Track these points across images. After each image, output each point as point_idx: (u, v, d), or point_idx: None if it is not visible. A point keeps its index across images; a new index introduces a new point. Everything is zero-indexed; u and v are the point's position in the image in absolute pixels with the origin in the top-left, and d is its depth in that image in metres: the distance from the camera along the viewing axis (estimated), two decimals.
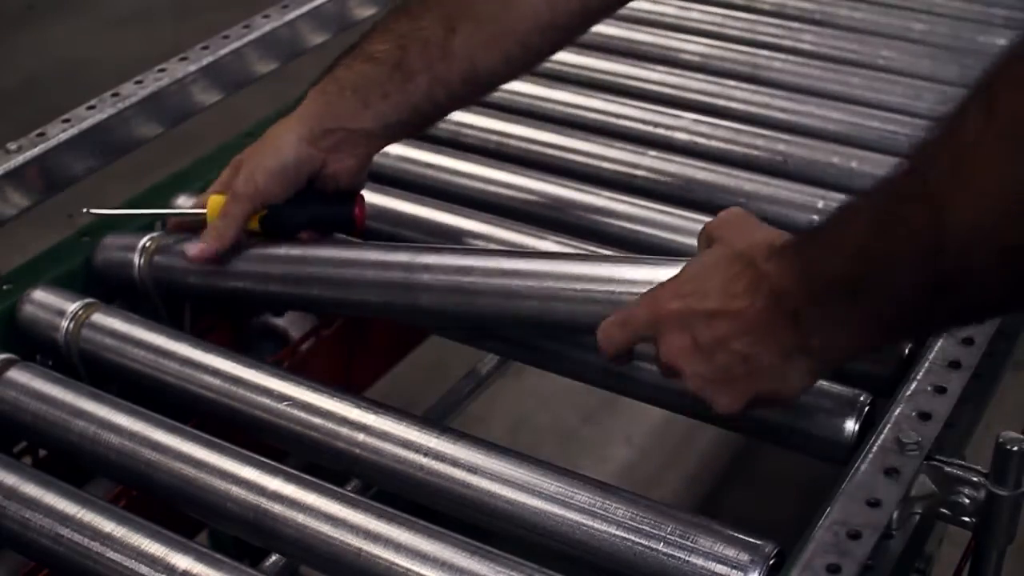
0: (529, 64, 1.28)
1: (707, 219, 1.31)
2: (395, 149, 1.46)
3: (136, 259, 1.30)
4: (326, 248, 1.24)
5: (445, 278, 1.15)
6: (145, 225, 1.36)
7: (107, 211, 1.34)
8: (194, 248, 1.24)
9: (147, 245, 1.30)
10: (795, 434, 1.08)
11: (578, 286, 1.09)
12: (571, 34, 1.28)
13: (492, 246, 1.30)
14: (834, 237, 0.88)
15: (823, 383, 1.08)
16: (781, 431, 1.09)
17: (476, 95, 1.31)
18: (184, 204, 1.40)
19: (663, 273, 1.01)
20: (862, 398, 1.07)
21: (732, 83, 1.63)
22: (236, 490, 1.04)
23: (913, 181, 0.82)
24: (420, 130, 1.31)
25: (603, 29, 1.72)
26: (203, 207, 1.26)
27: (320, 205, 1.25)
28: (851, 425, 1.05)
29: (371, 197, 1.33)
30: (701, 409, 0.98)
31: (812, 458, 1.09)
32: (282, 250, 1.24)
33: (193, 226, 1.28)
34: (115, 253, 1.33)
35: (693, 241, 1.31)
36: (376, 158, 1.29)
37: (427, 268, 1.16)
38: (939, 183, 0.79)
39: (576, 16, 1.24)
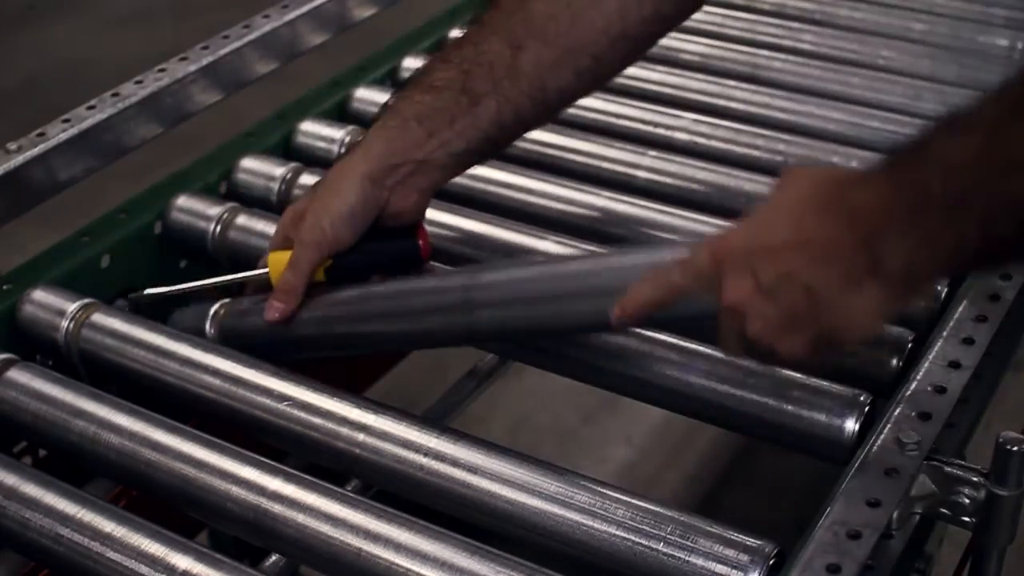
0: (601, 79, 1.23)
1: (707, 219, 1.33)
2: None
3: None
4: (384, 284, 1.19)
5: (504, 293, 1.11)
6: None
7: (165, 290, 1.30)
8: (271, 310, 1.19)
9: (224, 216, 1.35)
10: (795, 434, 1.08)
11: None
12: (644, 44, 1.23)
13: (492, 247, 1.30)
14: (939, 150, 0.83)
15: (823, 383, 1.08)
16: (781, 431, 1.09)
17: (545, 116, 1.23)
18: (184, 203, 1.40)
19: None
20: (862, 398, 1.07)
21: (732, 83, 1.63)
22: (236, 490, 1.04)
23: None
24: (486, 158, 1.24)
25: None
26: (264, 267, 1.22)
27: (384, 244, 1.21)
28: (851, 425, 1.05)
29: None
30: (703, 411, 0.98)
31: (812, 458, 1.09)
32: (342, 293, 1.19)
33: (259, 288, 1.24)
34: (186, 322, 1.29)
35: (694, 242, 1.32)
36: None
37: (486, 286, 1.11)
38: None
39: (649, 24, 1.19)
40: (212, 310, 1.27)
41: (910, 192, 0.84)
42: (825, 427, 1.06)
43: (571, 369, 1.20)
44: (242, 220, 1.38)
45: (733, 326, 0.93)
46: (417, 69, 1.23)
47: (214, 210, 1.39)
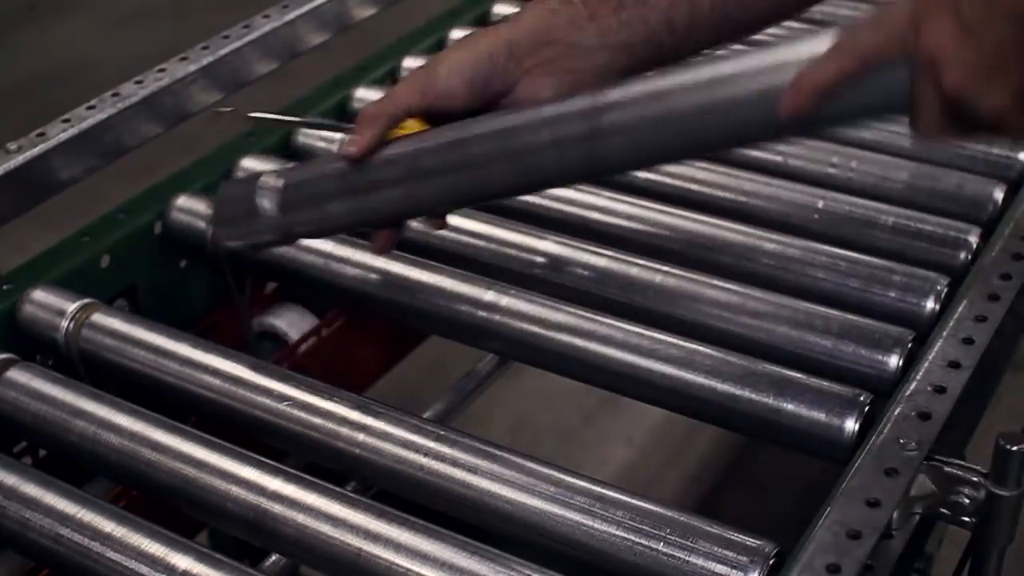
0: (790, 7, 1.07)
1: (707, 219, 1.33)
2: None
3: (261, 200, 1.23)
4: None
5: (643, 111, 0.96)
6: None
7: (268, 115, 1.22)
8: (347, 145, 1.05)
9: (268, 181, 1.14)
10: (795, 434, 1.08)
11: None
12: None
13: (492, 247, 1.31)
14: None
15: (823, 382, 1.08)
16: (781, 431, 1.09)
17: (721, 35, 1.05)
18: (184, 204, 1.40)
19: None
20: (862, 398, 1.07)
21: None
22: (236, 490, 1.04)
23: None
24: (645, 67, 1.03)
25: None
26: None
27: None
28: (851, 425, 1.05)
29: None
30: (705, 414, 0.97)
31: (812, 458, 1.09)
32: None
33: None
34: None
35: (694, 241, 1.32)
36: None
37: (613, 105, 0.97)
38: None
39: None
40: (262, 181, 1.13)
41: None
42: (825, 427, 1.06)
43: (571, 368, 1.20)
44: None
45: (929, 88, 0.81)
46: None
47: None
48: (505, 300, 1.21)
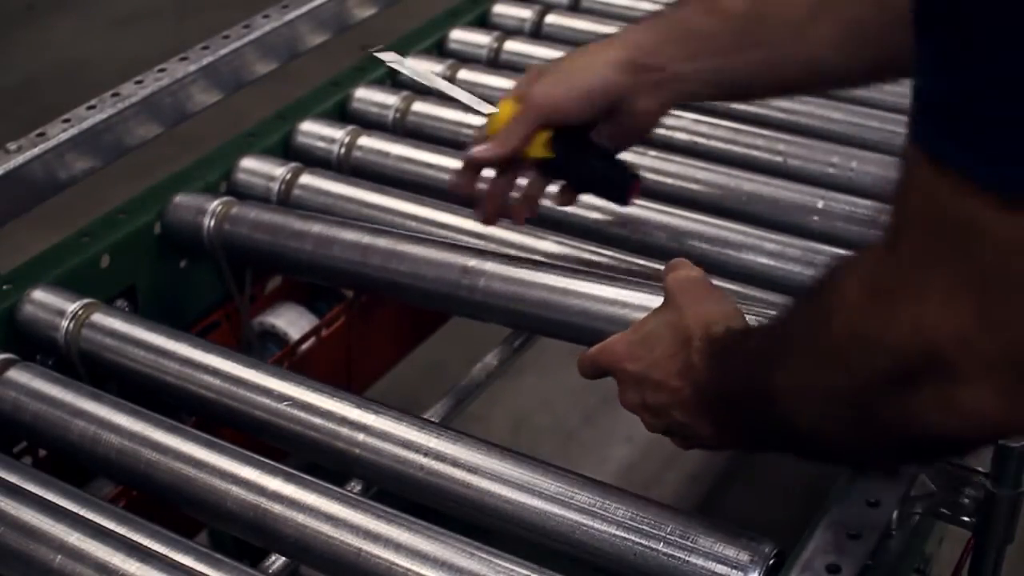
0: (883, 72, 1.17)
1: (707, 219, 1.33)
2: (397, 149, 1.47)
3: (206, 222, 1.36)
4: (382, 239, 1.27)
5: (497, 286, 1.20)
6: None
7: (398, 66, 1.34)
8: (477, 147, 1.19)
9: (218, 209, 1.36)
10: None
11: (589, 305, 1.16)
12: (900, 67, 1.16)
13: (492, 246, 1.31)
14: (734, 354, 0.91)
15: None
16: None
17: (810, 88, 1.26)
18: (184, 203, 1.40)
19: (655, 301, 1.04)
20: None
21: None
22: (236, 490, 1.04)
23: (763, 338, 0.88)
24: (725, 98, 1.28)
25: (603, 29, 1.72)
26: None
27: (605, 167, 1.20)
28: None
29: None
30: None
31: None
32: (345, 233, 1.28)
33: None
34: (188, 216, 1.38)
35: (694, 242, 1.32)
36: (375, 158, 1.28)
37: (482, 274, 1.20)
38: (772, 350, 0.84)
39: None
40: (211, 206, 1.35)
41: (715, 383, 0.92)
42: None
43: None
44: (236, 211, 1.38)
45: None
46: None
47: (211, 204, 1.39)
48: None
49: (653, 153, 1.47)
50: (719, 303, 0.99)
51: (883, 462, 0.94)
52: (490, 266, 1.22)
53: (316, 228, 1.32)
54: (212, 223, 1.37)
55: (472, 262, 1.23)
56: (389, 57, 1.34)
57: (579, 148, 1.18)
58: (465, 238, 1.33)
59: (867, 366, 0.73)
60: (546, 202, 1.39)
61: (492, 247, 1.29)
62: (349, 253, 1.29)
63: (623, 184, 1.20)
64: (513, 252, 1.29)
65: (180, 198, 1.41)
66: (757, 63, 1.13)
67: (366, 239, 1.28)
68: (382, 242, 1.28)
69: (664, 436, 1.02)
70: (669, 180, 1.44)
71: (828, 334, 0.76)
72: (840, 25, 1.10)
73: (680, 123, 1.53)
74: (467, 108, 1.25)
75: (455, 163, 1.46)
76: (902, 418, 0.73)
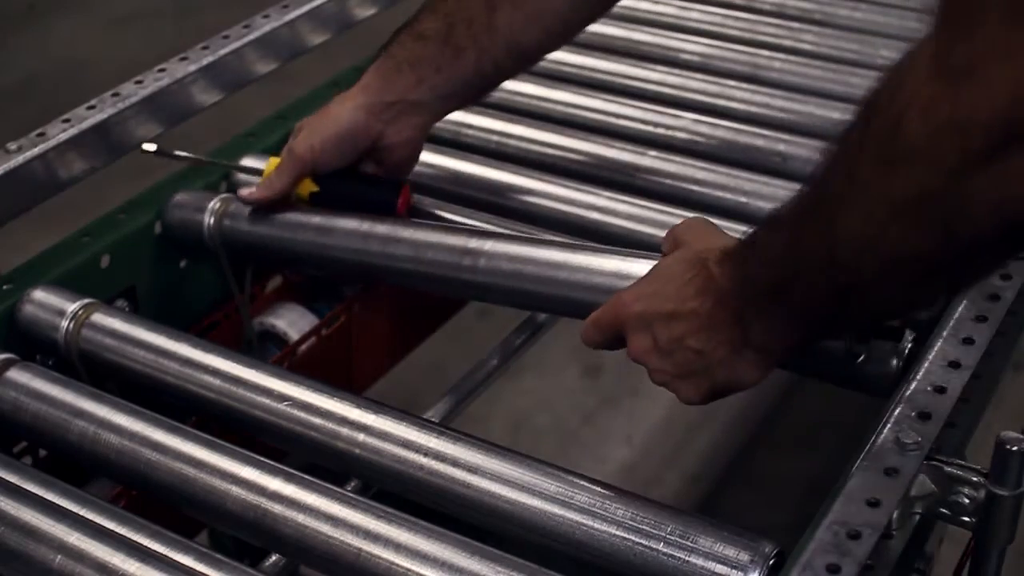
0: (570, 34, 1.36)
1: (707, 219, 1.33)
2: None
3: (206, 219, 1.37)
4: (381, 224, 1.29)
5: (498, 264, 1.21)
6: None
7: (177, 153, 1.43)
8: (246, 191, 1.34)
9: (217, 207, 1.38)
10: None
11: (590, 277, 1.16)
12: (608, 2, 1.35)
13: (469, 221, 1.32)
14: (762, 244, 0.95)
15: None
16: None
17: (523, 66, 1.38)
18: (184, 203, 1.40)
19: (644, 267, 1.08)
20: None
21: (732, 83, 1.63)
22: (236, 490, 1.04)
23: (813, 193, 0.89)
24: (473, 100, 1.40)
25: (603, 29, 1.72)
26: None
27: (367, 188, 1.34)
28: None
29: None
30: None
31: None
32: (343, 222, 1.30)
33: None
34: (184, 206, 1.40)
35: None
36: None
37: (482, 254, 1.22)
38: (832, 196, 0.85)
39: None
40: (210, 204, 1.38)
41: (747, 281, 0.95)
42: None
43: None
44: (235, 207, 1.38)
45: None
46: (413, 15, 1.34)
47: (210, 202, 1.39)
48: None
49: (653, 153, 1.47)
50: (724, 239, 1.03)
51: (965, 273, 0.89)
52: (491, 245, 1.22)
53: (316, 219, 1.32)
54: (212, 220, 1.37)
55: (473, 242, 1.23)
56: (151, 148, 1.43)
57: (342, 179, 1.33)
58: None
59: (957, 152, 0.73)
60: (545, 201, 1.40)
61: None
62: (349, 240, 1.29)
63: (390, 197, 1.33)
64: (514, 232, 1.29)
65: (179, 196, 1.41)
66: (473, 61, 1.29)
67: (365, 226, 1.29)
68: (381, 228, 1.28)
69: (670, 390, 1.02)
70: (669, 180, 1.44)
71: (904, 139, 0.76)
72: (513, 5, 1.27)
73: (680, 123, 1.54)
74: (244, 170, 1.43)
75: (454, 163, 1.46)
76: (998, 198, 0.73)
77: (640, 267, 1.11)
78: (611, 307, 1.05)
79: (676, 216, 1.34)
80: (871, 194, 0.81)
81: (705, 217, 1.11)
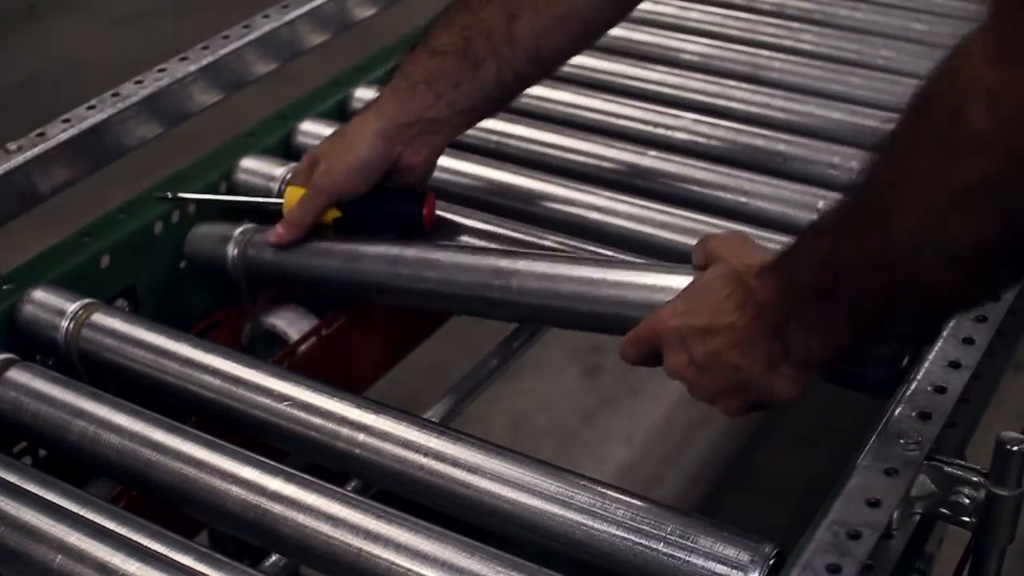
0: (592, 37, 1.34)
1: (707, 219, 1.33)
2: None
3: (230, 250, 1.36)
4: (410, 248, 1.28)
5: (530, 284, 1.19)
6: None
7: (189, 196, 1.41)
8: (272, 234, 1.32)
9: (240, 236, 1.36)
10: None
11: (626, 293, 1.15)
12: (630, 3, 1.34)
13: (494, 246, 1.31)
14: (805, 251, 0.94)
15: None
16: None
17: (545, 73, 1.35)
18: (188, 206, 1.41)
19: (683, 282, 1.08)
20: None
21: (732, 83, 1.63)
22: (236, 490, 1.04)
23: (860, 196, 0.88)
24: (492, 113, 1.36)
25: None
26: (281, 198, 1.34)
27: (391, 204, 1.32)
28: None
29: None
30: None
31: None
32: (371, 248, 1.29)
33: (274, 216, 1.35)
34: (206, 239, 1.40)
35: (693, 241, 1.32)
36: None
37: (514, 274, 1.20)
38: (883, 193, 0.84)
39: None
40: (234, 234, 1.37)
41: (790, 289, 0.94)
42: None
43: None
44: (259, 236, 1.36)
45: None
46: (423, 32, 1.31)
47: (234, 232, 1.38)
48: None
49: (653, 153, 1.47)
50: (761, 253, 1.02)
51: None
52: (523, 264, 1.21)
53: (342, 246, 1.31)
54: (236, 251, 1.36)
55: (504, 262, 1.22)
56: (161, 194, 1.41)
57: (364, 201, 1.31)
58: (466, 237, 1.33)
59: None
60: (545, 201, 1.40)
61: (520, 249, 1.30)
62: (378, 266, 1.28)
63: (416, 209, 1.32)
64: (542, 251, 1.29)
65: (202, 228, 1.41)
66: (494, 73, 1.27)
67: (395, 250, 1.28)
68: (410, 252, 1.27)
69: (708, 404, 1.02)
70: (669, 180, 1.44)
71: (966, 126, 0.75)
72: (536, 12, 1.26)
73: (680, 123, 1.54)
74: (263, 206, 1.40)
75: (451, 161, 1.46)
76: None
77: (675, 280, 1.11)
78: (648, 324, 1.05)
79: (676, 216, 1.34)
80: (930, 184, 0.79)
81: (742, 230, 1.10)
